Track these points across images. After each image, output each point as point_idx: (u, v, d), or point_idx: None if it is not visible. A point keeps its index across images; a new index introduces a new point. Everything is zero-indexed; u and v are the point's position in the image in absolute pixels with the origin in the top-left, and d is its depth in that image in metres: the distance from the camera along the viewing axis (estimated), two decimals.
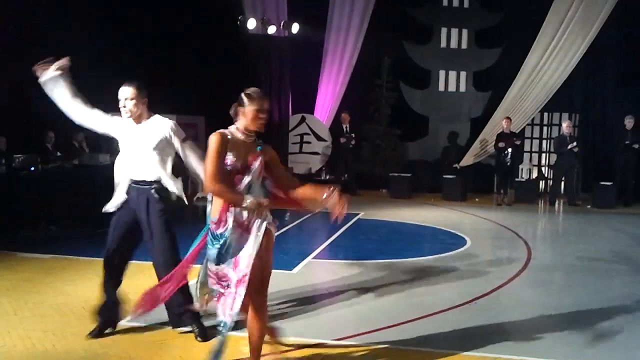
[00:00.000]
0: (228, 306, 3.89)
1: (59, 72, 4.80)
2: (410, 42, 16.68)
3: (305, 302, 6.11)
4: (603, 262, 8.34)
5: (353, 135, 15.31)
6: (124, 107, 4.77)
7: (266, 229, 3.95)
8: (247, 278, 3.84)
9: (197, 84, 12.71)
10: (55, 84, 4.81)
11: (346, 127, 15.36)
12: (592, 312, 6.02)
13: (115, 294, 5.08)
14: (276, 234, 4.10)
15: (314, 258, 8.09)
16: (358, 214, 12.07)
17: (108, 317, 5.04)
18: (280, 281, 6.54)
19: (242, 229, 3.94)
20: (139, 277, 5.82)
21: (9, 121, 10.58)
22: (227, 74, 14.04)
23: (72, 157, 11.24)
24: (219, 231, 3.92)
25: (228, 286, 3.93)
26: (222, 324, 3.90)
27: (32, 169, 9.95)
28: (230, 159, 3.90)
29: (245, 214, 3.92)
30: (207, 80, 13.20)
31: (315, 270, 7.60)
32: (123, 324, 5.32)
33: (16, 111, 10.58)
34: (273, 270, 4.10)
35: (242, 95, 4.01)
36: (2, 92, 10.31)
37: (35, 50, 10.88)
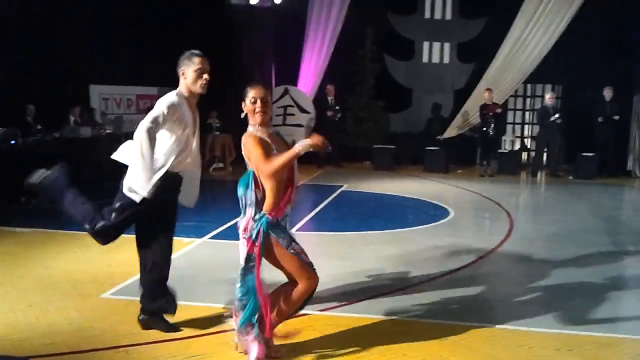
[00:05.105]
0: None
1: None
2: (394, 12, 16.57)
3: None
4: (584, 232, 8.43)
5: (338, 107, 15.27)
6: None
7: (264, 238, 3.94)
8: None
9: (177, 56, 12.59)
10: None
11: (331, 100, 15.30)
12: (572, 283, 6.11)
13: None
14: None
15: (298, 230, 8.10)
16: (342, 186, 12.09)
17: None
18: None
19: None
20: (124, 250, 5.83)
21: None
22: (209, 46, 13.88)
23: (54, 130, 11.15)
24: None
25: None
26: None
27: (13, 142, 9.83)
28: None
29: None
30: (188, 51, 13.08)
31: (299, 242, 7.60)
32: (107, 296, 5.34)
33: None
34: None
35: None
36: None
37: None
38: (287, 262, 4.03)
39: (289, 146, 4.00)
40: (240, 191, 4.02)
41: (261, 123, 3.98)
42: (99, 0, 12.51)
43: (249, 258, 3.96)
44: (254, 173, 3.97)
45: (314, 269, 4.12)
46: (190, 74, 4.39)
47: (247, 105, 3.99)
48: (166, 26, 13.34)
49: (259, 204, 3.97)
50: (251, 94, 3.98)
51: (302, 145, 3.78)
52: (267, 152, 3.87)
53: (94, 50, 12.14)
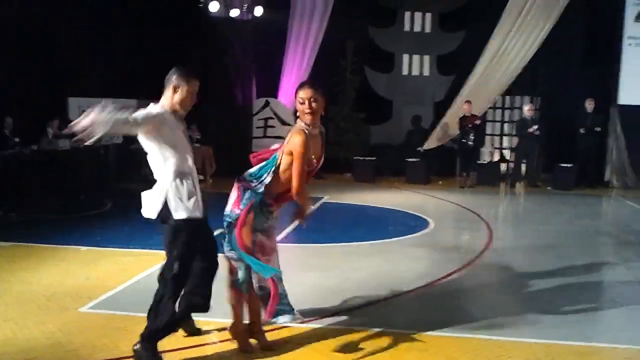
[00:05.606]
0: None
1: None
2: (374, 25, 16.67)
3: None
4: (562, 243, 8.51)
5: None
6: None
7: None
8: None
9: (159, 69, 12.60)
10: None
11: None
12: (551, 293, 6.15)
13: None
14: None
15: (278, 242, 8.05)
16: (322, 197, 12.11)
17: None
18: None
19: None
20: (103, 264, 5.78)
21: None
22: (189, 58, 13.88)
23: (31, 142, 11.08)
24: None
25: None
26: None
27: None
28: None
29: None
30: (169, 64, 13.07)
31: (279, 254, 7.57)
32: (85, 310, 5.29)
33: None
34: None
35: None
36: None
37: None
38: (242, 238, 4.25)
39: (325, 145, 4.39)
40: (260, 171, 4.26)
41: (310, 123, 4.14)
42: (99, 0, 12.56)
43: (230, 215, 4.23)
44: (277, 162, 4.21)
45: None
46: (185, 93, 4.32)
47: (297, 106, 4.17)
48: (143, 38, 13.38)
49: (265, 187, 4.20)
50: (300, 94, 4.15)
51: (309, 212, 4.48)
52: (305, 163, 4.13)
53: (94, 51, 12.09)
